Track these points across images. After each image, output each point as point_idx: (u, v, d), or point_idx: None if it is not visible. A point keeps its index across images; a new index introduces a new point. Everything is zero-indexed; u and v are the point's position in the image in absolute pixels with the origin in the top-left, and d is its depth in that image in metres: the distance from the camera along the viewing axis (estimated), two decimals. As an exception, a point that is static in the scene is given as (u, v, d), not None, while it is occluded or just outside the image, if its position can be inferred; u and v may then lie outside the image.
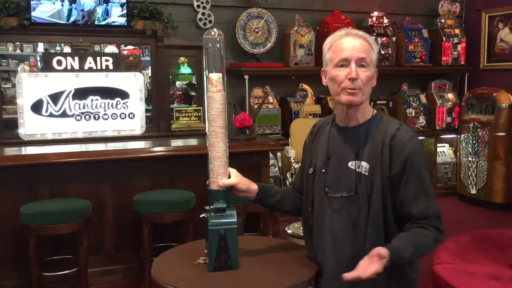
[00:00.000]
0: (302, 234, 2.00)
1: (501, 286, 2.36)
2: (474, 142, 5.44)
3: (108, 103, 4.28)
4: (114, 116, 4.31)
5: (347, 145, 1.73)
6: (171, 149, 3.63)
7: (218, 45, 1.77)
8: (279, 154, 5.10)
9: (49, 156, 3.30)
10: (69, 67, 4.19)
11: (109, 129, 4.30)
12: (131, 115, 4.36)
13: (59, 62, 4.16)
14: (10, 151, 3.48)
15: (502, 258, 2.68)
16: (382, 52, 5.52)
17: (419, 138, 1.77)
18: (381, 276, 1.51)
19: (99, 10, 4.48)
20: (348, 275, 1.48)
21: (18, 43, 6.71)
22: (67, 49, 6.00)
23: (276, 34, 5.24)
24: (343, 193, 1.69)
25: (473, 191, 5.45)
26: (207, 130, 1.77)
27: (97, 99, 4.24)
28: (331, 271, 1.70)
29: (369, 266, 1.48)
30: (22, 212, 2.97)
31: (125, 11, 4.55)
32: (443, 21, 5.95)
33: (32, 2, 4.25)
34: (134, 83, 4.37)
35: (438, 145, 6.00)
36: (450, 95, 6.00)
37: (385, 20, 5.69)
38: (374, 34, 5.51)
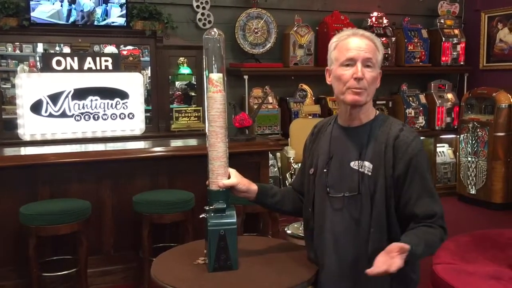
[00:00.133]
0: (301, 235, 2.00)
1: (501, 286, 2.36)
2: (473, 142, 5.44)
3: (108, 103, 4.29)
4: (113, 116, 4.31)
5: (349, 145, 1.73)
6: (171, 149, 3.63)
7: (218, 45, 1.77)
8: (278, 154, 5.10)
9: (48, 156, 3.30)
10: (68, 68, 4.19)
11: (109, 129, 4.30)
12: (130, 115, 4.36)
13: (58, 63, 4.17)
14: (9, 151, 3.47)
15: (501, 258, 2.68)
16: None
17: (419, 138, 1.77)
18: (383, 277, 1.50)
19: (99, 11, 4.47)
20: (372, 270, 1.44)
21: (18, 43, 6.70)
22: (66, 50, 5.98)
23: (276, 34, 5.24)
24: (345, 193, 1.69)
25: (473, 191, 5.45)
26: (207, 130, 1.77)
27: (96, 100, 4.25)
28: (332, 271, 1.70)
29: (392, 260, 1.45)
30: (21, 213, 2.97)
31: (124, 12, 4.54)
32: (442, 21, 5.95)
33: (31, 3, 4.25)
34: (134, 84, 4.38)
35: (437, 145, 6.00)
36: (449, 95, 6.00)
37: (385, 21, 5.68)
38: (374, 34, 5.50)
